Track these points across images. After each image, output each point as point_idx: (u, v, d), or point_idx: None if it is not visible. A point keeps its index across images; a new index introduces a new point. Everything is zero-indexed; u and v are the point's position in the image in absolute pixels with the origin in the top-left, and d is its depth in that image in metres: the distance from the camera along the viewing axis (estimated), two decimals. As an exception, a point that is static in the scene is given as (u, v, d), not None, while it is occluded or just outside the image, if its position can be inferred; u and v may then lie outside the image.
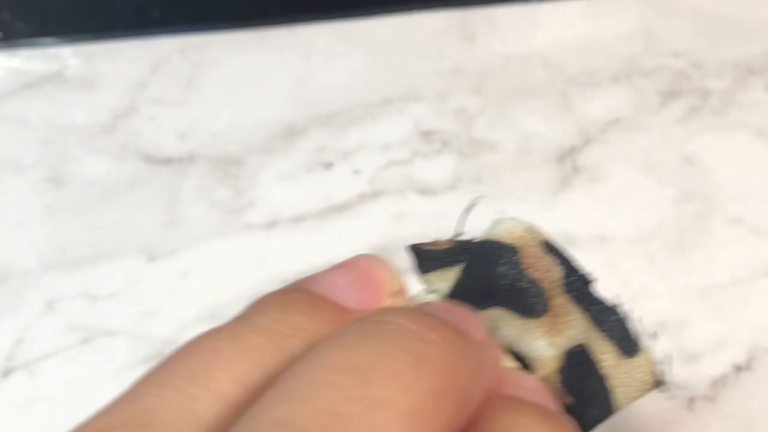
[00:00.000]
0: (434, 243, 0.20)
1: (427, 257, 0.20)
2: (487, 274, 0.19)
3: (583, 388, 0.18)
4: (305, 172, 0.42)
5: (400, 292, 0.18)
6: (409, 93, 0.45)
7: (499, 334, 0.19)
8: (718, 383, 0.37)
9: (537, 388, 0.18)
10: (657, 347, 0.19)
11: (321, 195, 0.41)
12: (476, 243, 0.19)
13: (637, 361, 0.18)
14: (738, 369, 0.37)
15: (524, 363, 0.19)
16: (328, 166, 0.42)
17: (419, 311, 0.16)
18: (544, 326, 0.18)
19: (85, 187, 0.42)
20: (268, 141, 0.43)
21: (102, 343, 0.37)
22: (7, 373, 0.37)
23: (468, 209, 0.20)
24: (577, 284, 0.19)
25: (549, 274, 0.18)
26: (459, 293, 0.19)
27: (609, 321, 0.19)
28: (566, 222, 0.41)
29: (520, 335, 0.19)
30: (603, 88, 0.45)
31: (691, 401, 0.36)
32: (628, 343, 0.19)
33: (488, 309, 0.19)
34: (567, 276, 0.19)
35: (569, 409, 0.19)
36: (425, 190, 0.42)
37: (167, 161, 0.43)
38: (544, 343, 0.18)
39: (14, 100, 0.45)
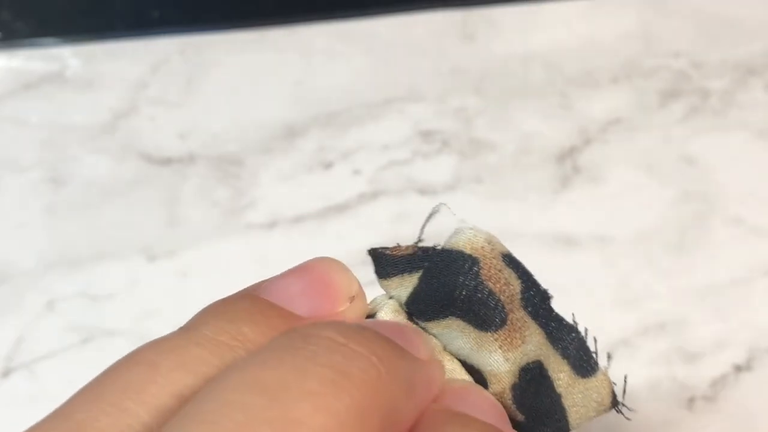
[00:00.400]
0: (395, 248, 0.19)
1: (386, 262, 0.19)
2: (446, 284, 0.18)
3: (535, 406, 0.18)
4: (305, 172, 0.42)
5: (359, 297, 0.18)
6: (409, 93, 0.45)
7: (454, 345, 0.18)
8: (718, 383, 0.37)
9: (485, 404, 0.17)
10: (612, 368, 0.18)
11: (321, 195, 0.41)
12: (437, 251, 0.19)
13: (593, 381, 0.18)
14: (738, 369, 0.37)
15: (478, 377, 0.18)
16: (328, 166, 0.42)
17: (353, 324, 0.15)
18: (500, 340, 0.18)
19: (85, 187, 0.42)
20: (268, 141, 0.43)
21: (102, 343, 0.37)
22: (7, 373, 0.37)
23: (431, 215, 0.19)
24: (536, 299, 0.18)
25: (508, 287, 0.18)
26: (416, 301, 0.19)
27: (566, 339, 0.18)
28: (566, 222, 0.41)
29: (475, 348, 0.18)
30: (603, 88, 0.46)
31: (691, 401, 0.36)
32: (583, 363, 0.18)
33: (445, 319, 0.18)
34: (526, 290, 0.18)
35: (520, 427, 0.18)
36: (425, 190, 0.42)
37: (167, 161, 0.43)
38: (500, 357, 0.18)
39: (14, 100, 0.45)
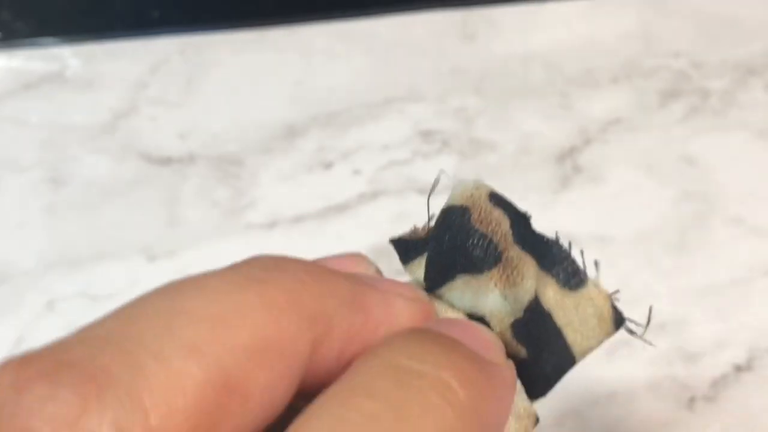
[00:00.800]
0: (412, 232, 0.19)
1: (407, 248, 0.19)
2: (447, 244, 0.18)
3: (534, 335, 0.17)
4: (305, 172, 0.42)
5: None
6: (409, 93, 0.45)
7: (460, 301, 0.18)
8: (719, 383, 0.37)
9: (478, 335, 0.17)
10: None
11: (321, 195, 0.41)
12: (438, 218, 0.19)
13: (584, 293, 0.17)
14: (738, 369, 0.37)
15: (483, 324, 0.18)
16: (328, 166, 0.42)
17: (315, 262, 0.16)
18: (495, 278, 0.18)
19: (85, 187, 0.42)
20: (268, 141, 0.43)
21: (102, 343, 0.37)
22: (7, 373, 0.37)
23: (433, 187, 0.19)
24: (522, 229, 0.18)
25: (499, 226, 0.18)
26: (429, 271, 0.19)
27: (549, 255, 0.17)
28: (566, 222, 0.41)
29: (476, 294, 0.18)
30: (603, 88, 0.45)
31: (691, 401, 0.36)
32: (570, 276, 0.17)
33: (454, 280, 0.18)
34: (514, 225, 0.18)
35: (526, 364, 0.17)
36: (425, 190, 0.42)
37: (167, 161, 0.43)
38: (497, 296, 0.18)
39: (14, 100, 0.45)
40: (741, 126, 0.44)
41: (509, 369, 0.16)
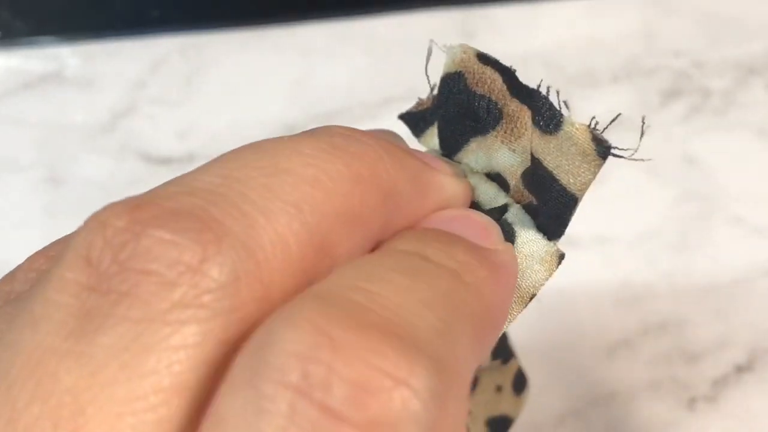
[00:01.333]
0: (418, 104, 0.20)
1: (416, 120, 0.20)
2: (452, 111, 0.18)
3: (537, 182, 0.18)
4: (305, 171, 0.42)
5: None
6: (409, 93, 0.45)
7: (478, 165, 0.19)
8: (719, 383, 0.36)
9: (468, 222, 0.17)
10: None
11: (321, 195, 0.41)
12: (438, 87, 0.19)
13: (563, 134, 0.17)
14: (739, 369, 0.37)
15: (500, 181, 0.18)
16: (328, 165, 0.42)
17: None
18: (500, 135, 0.18)
19: (84, 186, 0.42)
20: (268, 141, 0.43)
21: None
22: (5, 373, 0.37)
23: (427, 57, 0.20)
24: (512, 81, 0.18)
25: (494, 83, 0.18)
26: (441, 139, 0.19)
27: (535, 105, 0.17)
28: (566, 222, 0.40)
29: (488, 154, 0.18)
30: (603, 87, 0.45)
31: (691, 401, 0.36)
32: (549, 120, 0.17)
33: (468, 144, 0.18)
34: (505, 78, 0.18)
35: (537, 209, 0.18)
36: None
37: (166, 161, 0.43)
38: (505, 151, 0.18)
39: (13, 100, 0.44)
40: (742, 126, 0.44)
41: (507, 252, 0.17)
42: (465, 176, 0.18)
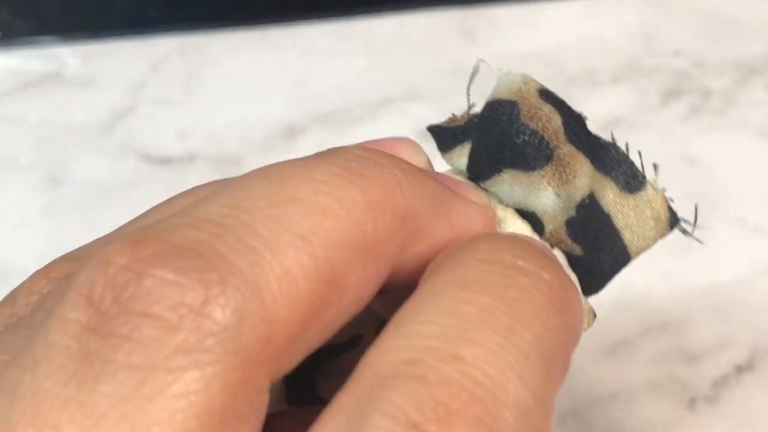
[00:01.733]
0: (451, 120, 0.19)
1: (445, 135, 0.19)
2: (493, 136, 0.18)
3: (589, 234, 0.17)
4: (305, 171, 0.42)
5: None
6: (409, 93, 0.45)
7: (509, 197, 0.18)
8: (720, 384, 0.36)
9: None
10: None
11: (321, 195, 0.41)
12: (483, 110, 0.18)
13: (643, 195, 0.17)
14: (739, 369, 0.37)
15: (533, 221, 0.18)
16: (328, 165, 0.42)
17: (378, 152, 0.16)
18: (548, 176, 0.17)
19: (84, 187, 0.42)
20: (268, 141, 0.43)
21: (101, 343, 0.37)
22: (5, 373, 0.37)
23: (473, 75, 0.19)
24: (576, 128, 0.18)
25: (550, 122, 0.17)
26: (473, 162, 0.18)
27: (607, 157, 0.17)
28: (567, 222, 0.40)
29: (527, 191, 0.18)
30: (603, 87, 0.45)
31: (692, 402, 0.36)
32: (630, 178, 0.17)
33: (500, 174, 0.18)
34: (566, 122, 0.18)
35: (580, 261, 0.18)
36: (425, 190, 0.41)
37: (166, 161, 0.43)
38: (550, 194, 0.17)
39: (13, 100, 0.44)
40: (742, 125, 0.44)
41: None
42: (491, 205, 0.18)
